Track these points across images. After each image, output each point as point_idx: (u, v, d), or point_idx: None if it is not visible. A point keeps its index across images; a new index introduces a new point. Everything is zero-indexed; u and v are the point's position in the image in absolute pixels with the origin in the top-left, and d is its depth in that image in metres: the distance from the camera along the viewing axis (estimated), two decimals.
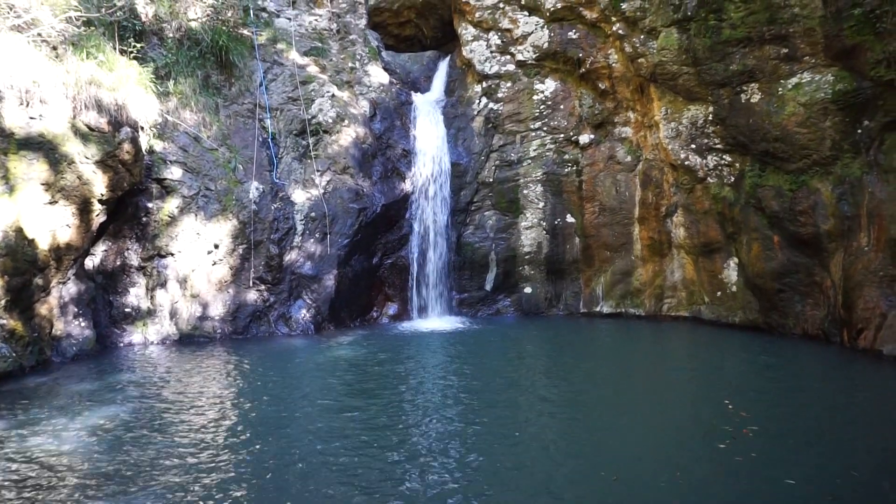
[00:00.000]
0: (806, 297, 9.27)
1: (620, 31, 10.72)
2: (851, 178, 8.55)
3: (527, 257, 11.97)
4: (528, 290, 12.03)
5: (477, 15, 12.28)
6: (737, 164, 9.96)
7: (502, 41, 12.16)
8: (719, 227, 10.40)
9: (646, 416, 5.86)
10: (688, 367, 8.02)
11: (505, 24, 12.07)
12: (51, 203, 7.42)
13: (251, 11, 11.29)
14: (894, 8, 7.46)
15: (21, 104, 7.13)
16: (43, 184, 7.29)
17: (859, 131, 8.44)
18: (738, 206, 9.91)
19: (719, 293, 10.61)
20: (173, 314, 9.18)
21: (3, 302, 6.87)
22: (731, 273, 10.41)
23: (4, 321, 6.89)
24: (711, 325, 10.54)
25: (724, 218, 10.24)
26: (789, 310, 9.46)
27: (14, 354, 6.91)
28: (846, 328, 8.54)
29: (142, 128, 8.85)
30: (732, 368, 7.85)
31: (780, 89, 8.98)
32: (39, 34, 7.66)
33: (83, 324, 8.12)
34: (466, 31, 12.55)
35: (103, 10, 8.85)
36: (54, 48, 7.83)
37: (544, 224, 11.92)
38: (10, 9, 7.50)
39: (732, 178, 10.04)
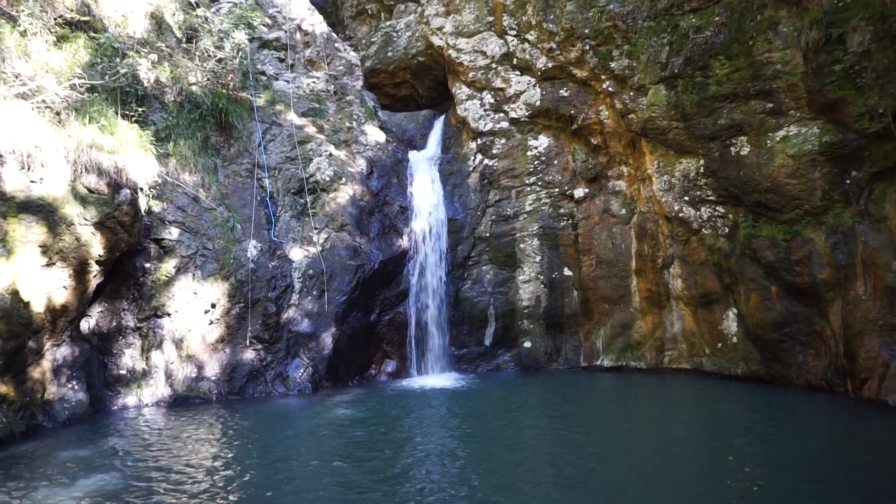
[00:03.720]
0: (807, 346, 9.21)
1: (610, 89, 11.02)
2: (844, 227, 8.63)
3: (525, 311, 11.92)
4: (527, 344, 11.93)
5: (470, 75, 12.64)
6: (730, 216, 10.07)
7: (495, 100, 12.48)
8: (716, 277, 10.41)
9: (650, 475, 5.72)
10: (691, 423, 7.88)
11: (498, 83, 12.42)
12: (48, 265, 7.42)
13: (250, 75, 11.61)
14: (872, 64, 7.71)
15: (22, 168, 7.23)
16: (41, 246, 7.32)
17: (848, 181, 8.57)
18: (733, 256, 9.96)
19: (720, 344, 10.53)
20: (168, 375, 9.06)
21: None
22: (730, 324, 10.36)
23: None
24: (714, 377, 10.41)
25: (720, 269, 10.27)
26: (791, 360, 9.37)
27: (5, 420, 6.78)
28: (849, 378, 8.44)
29: (141, 189, 8.95)
30: (735, 422, 7.71)
31: (768, 142, 9.17)
32: (44, 101, 7.85)
33: (76, 387, 8.00)
34: (460, 91, 12.89)
35: (107, 76, 9.10)
36: (57, 114, 8.01)
37: (542, 278, 11.93)
38: (16, 77, 7.71)
39: (727, 230, 10.12)
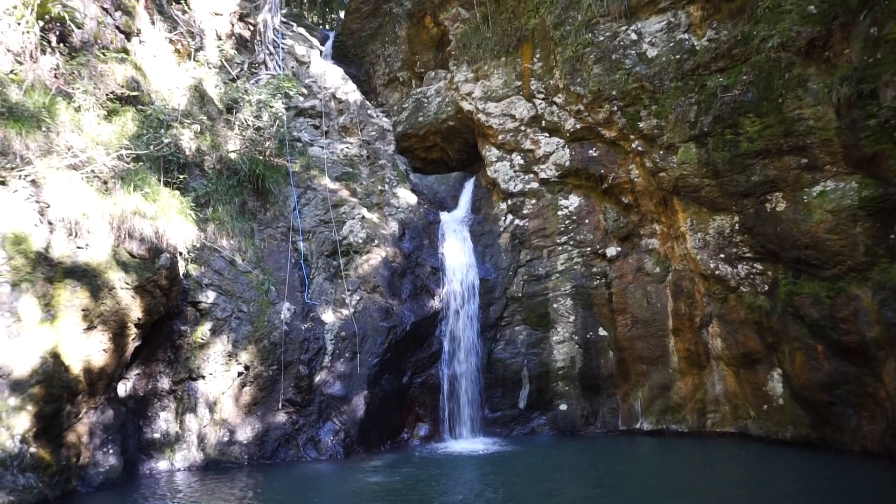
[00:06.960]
0: (860, 409, 8.74)
1: (640, 148, 11.08)
2: (892, 283, 8.32)
3: (560, 373, 11.65)
4: (563, 407, 11.60)
5: (500, 138, 12.88)
6: (769, 273, 9.82)
7: (525, 161, 12.64)
8: (758, 336, 10.08)
9: None
10: (740, 493, 7.46)
11: (527, 145, 12.60)
12: (88, 329, 7.57)
13: (287, 142, 12.03)
14: None
15: (70, 235, 7.51)
16: (83, 310, 7.49)
17: (893, 236, 8.33)
18: (775, 314, 9.66)
19: (765, 406, 10.08)
20: (201, 439, 9.01)
21: (33, 430, 6.83)
22: (775, 385, 9.94)
23: (34, 450, 6.82)
24: (760, 441, 9.92)
25: (762, 327, 9.95)
26: (844, 424, 8.89)
27: (41, 485, 6.77)
28: None
29: (180, 253, 9.19)
30: (787, 493, 7.27)
31: (804, 197, 9.02)
32: (93, 171, 8.21)
33: (111, 451, 7.99)
34: (490, 153, 13.12)
35: (152, 146, 9.51)
36: (105, 182, 8.35)
37: (576, 338, 11.70)
38: (69, 149, 8.10)
39: (766, 287, 9.86)
